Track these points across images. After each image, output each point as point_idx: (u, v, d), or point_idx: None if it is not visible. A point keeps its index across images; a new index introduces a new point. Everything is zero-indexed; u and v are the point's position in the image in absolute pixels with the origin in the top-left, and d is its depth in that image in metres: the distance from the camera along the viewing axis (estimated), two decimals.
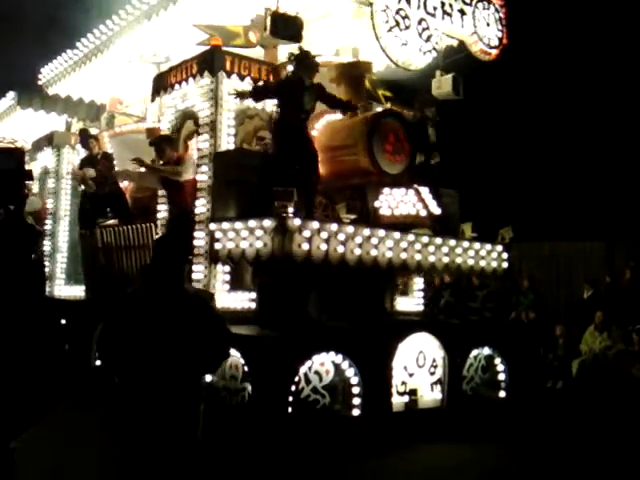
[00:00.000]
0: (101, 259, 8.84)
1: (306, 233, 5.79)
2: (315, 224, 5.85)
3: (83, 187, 9.39)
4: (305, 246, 5.79)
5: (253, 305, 6.84)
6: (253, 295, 6.85)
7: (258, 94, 6.57)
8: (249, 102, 7.02)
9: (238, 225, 6.10)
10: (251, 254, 6.00)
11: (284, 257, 5.74)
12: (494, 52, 8.14)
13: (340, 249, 6.05)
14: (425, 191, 6.80)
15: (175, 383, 3.37)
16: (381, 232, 6.38)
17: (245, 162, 6.43)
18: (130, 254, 8.22)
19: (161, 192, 7.51)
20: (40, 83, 11.62)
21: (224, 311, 6.64)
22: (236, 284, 6.84)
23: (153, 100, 7.68)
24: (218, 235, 6.38)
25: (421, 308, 8.56)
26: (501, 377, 7.40)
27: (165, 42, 8.57)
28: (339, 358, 5.94)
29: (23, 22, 16.93)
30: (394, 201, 6.64)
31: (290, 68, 6.63)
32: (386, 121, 6.69)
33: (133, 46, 8.95)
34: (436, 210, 6.82)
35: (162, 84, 7.47)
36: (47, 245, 10.55)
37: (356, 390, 6.01)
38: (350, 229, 6.14)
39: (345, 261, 6.15)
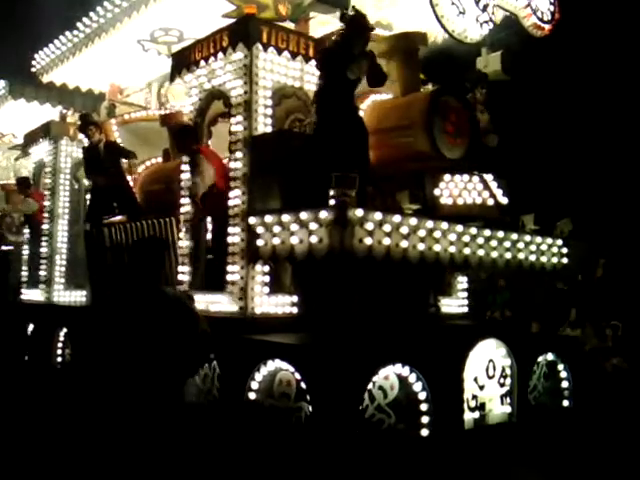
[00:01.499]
0: (109, 259, 7.94)
1: (368, 226, 4.97)
2: (378, 215, 5.03)
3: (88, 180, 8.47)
4: (368, 241, 4.96)
5: (294, 310, 6.03)
6: (294, 299, 6.04)
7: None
8: (288, 80, 6.19)
9: (286, 218, 5.25)
10: (302, 251, 5.16)
11: (344, 254, 4.90)
12: (547, 27, 7.36)
13: (403, 244, 5.24)
14: (490, 178, 6.00)
15: (151, 385, 3.44)
16: (444, 224, 5.58)
17: (287, 146, 5.59)
18: None
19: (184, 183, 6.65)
20: (34, 70, 10.64)
21: (263, 318, 5.83)
22: (275, 287, 6.00)
23: (172, 81, 6.81)
24: (260, 230, 5.52)
25: (465, 310, 7.78)
26: (564, 385, 6.66)
27: (180, 18, 7.70)
28: (406, 370, 5.13)
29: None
30: (456, 189, 5.83)
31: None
32: (446, 99, 5.89)
33: (144, 24, 8.06)
34: (503, 200, 6.03)
35: (184, 61, 6.60)
36: (44, 247, 9.62)
37: (425, 407, 5.20)
38: (413, 221, 5.32)
39: (407, 258, 5.33)
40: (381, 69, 5.57)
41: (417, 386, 5.18)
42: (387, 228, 5.10)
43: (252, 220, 5.62)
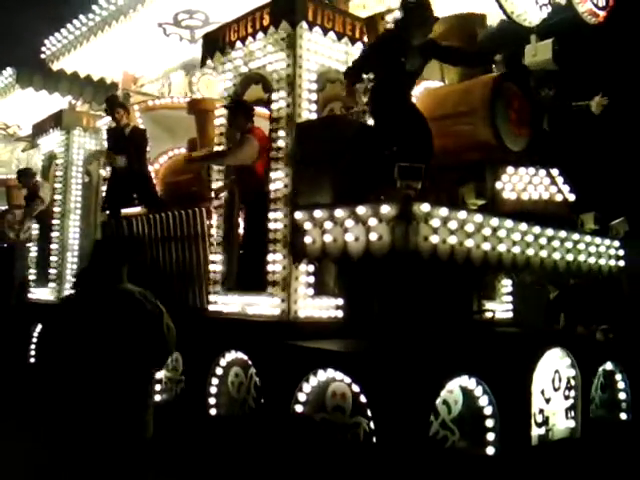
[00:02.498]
0: (132, 252, 7.39)
1: (434, 222, 4.47)
2: (444, 211, 4.54)
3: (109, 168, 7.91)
4: (434, 239, 4.47)
5: (339, 314, 5.53)
6: (339, 302, 5.54)
7: (357, 72, 5.21)
8: (332, 63, 5.69)
9: (339, 213, 4.75)
10: (357, 250, 4.65)
11: (407, 253, 4.41)
12: (602, 14, 6.91)
13: (469, 243, 4.74)
14: (556, 172, 5.51)
15: (111, 383, 3.33)
16: (508, 222, 5.09)
17: (340, 134, 5.08)
18: (169, 246, 6.83)
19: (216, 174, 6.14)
20: (43, 57, 10.11)
21: (308, 322, 5.33)
22: (319, 288, 5.50)
23: (203, 64, 6.29)
24: (307, 227, 5.01)
25: (510, 315, 7.28)
26: (622, 396, 6.20)
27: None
28: (472, 383, 4.64)
29: None
30: (521, 183, 5.34)
31: (390, 19, 5.30)
32: (509, 85, 5.39)
33: (167, 5, 7.55)
34: (570, 196, 5.54)
35: (217, 43, 6.09)
36: (55, 243, 9.08)
37: (490, 423, 4.71)
38: (478, 218, 4.83)
39: (470, 259, 4.84)
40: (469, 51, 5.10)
41: (483, 400, 4.69)
42: (453, 225, 4.61)
43: (298, 215, 5.11)
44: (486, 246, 4.90)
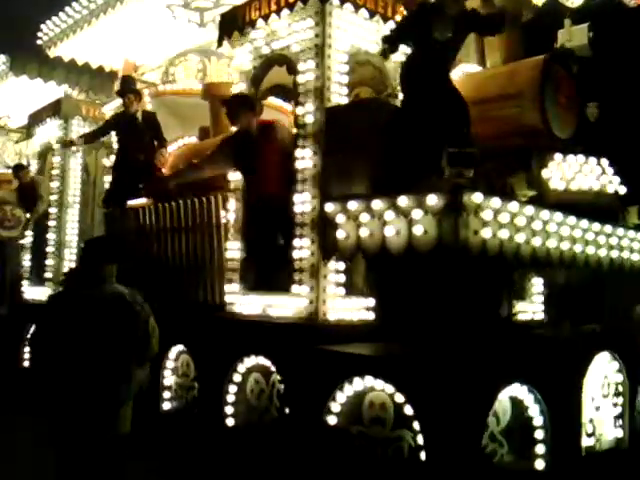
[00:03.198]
0: (136, 246, 6.94)
1: (486, 214, 4.05)
2: (496, 202, 4.12)
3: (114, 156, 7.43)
4: (486, 233, 4.05)
5: (370, 316, 5.09)
6: (369, 302, 5.10)
7: (394, 40, 4.81)
8: (363, 43, 5.26)
9: (378, 205, 4.31)
10: (398, 245, 4.23)
11: (457, 249, 3.98)
12: None
13: (519, 238, 4.33)
14: (606, 162, 5.11)
15: (91, 378, 3.44)
16: (558, 216, 4.69)
17: (373, 118, 4.64)
18: (179, 238, 6.40)
19: None
20: (40, 43, 9.60)
21: (338, 325, 4.89)
22: (347, 288, 5.06)
23: (220, 45, 5.82)
24: (340, 220, 4.58)
25: (542, 316, 6.87)
26: None
27: None
28: (523, 391, 4.23)
29: None
30: (569, 172, 4.93)
31: None
32: (558, 67, 4.98)
33: None
34: (621, 188, 5.14)
35: (236, 22, 5.62)
36: (52, 240, 8.58)
37: (540, 434, 4.31)
38: (529, 210, 4.42)
39: (519, 255, 4.43)
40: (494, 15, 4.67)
41: (533, 410, 4.30)
42: (504, 218, 4.19)
43: (329, 207, 4.67)
44: (537, 241, 4.49)
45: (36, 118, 9.29)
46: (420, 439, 3.84)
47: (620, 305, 7.02)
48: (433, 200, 4.01)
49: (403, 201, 4.17)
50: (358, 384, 4.23)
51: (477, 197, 3.98)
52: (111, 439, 3.55)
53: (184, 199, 6.18)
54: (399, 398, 3.98)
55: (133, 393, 3.73)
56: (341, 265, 4.92)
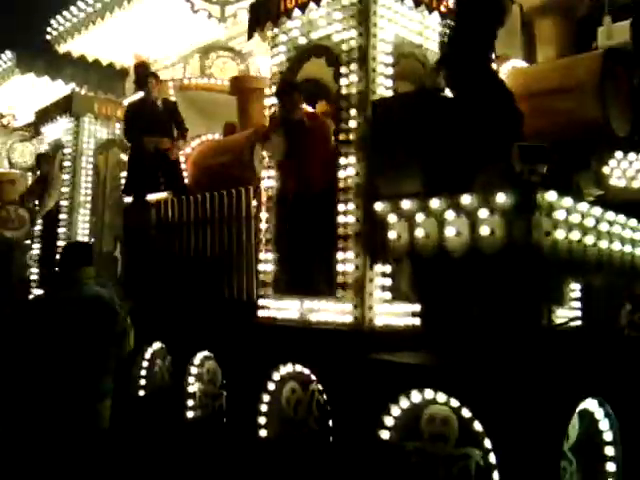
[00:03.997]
0: (157, 241, 6.64)
1: (559, 214, 3.77)
2: (567, 201, 3.83)
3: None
4: (559, 234, 3.76)
5: (416, 321, 4.79)
6: (415, 308, 4.80)
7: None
8: (407, 34, 4.97)
9: (436, 204, 4.02)
10: (459, 247, 3.93)
11: (527, 251, 3.69)
12: None
13: (589, 240, 4.04)
14: None
15: (73, 378, 3.61)
16: (621, 217, 4.41)
17: (427, 111, 4.34)
18: (204, 232, 6.18)
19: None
20: (49, 38, 9.26)
21: (385, 331, 4.58)
22: (394, 292, 4.76)
23: (250, 37, 5.52)
24: (392, 220, 4.28)
25: (579, 323, 6.59)
26: None
27: None
28: (593, 404, 3.94)
29: None
30: (631, 169, 4.66)
31: None
32: (616, 63, 4.71)
33: None
34: None
35: (268, 12, 5.32)
36: (62, 241, 8.24)
37: (611, 451, 4.02)
38: (597, 211, 4.14)
39: (585, 258, 4.14)
40: None
41: (603, 424, 4.01)
42: (575, 218, 3.91)
43: (379, 207, 4.37)
44: (604, 244, 4.20)
45: (45, 115, 8.93)
46: (492, 458, 3.53)
47: None
48: (502, 198, 3.71)
49: (467, 200, 3.88)
50: (416, 397, 3.93)
51: (551, 195, 3.69)
52: (91, 435, 3.72)
53: (211, 191, 5.88)
54: (466, 413, 3.68)
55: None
56: (387, 268, 4.62)
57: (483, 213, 3.80)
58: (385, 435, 4.07)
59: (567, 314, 6.35)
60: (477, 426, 3.61)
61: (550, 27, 5.10)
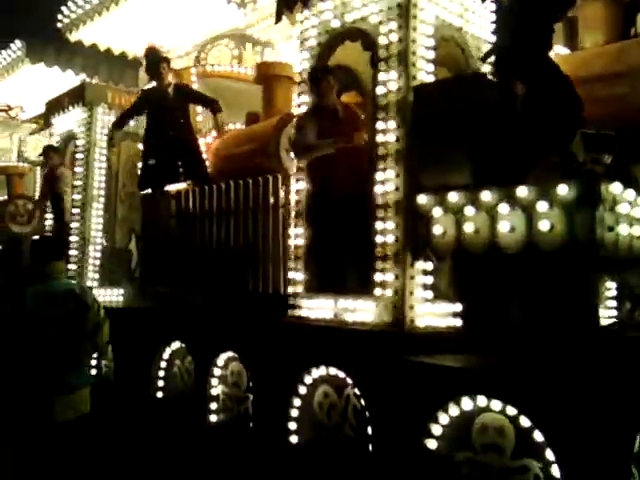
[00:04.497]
0: (176, 233, 6.39)
1: (622, 208, 3.48)
2: (631, 194, 3.54)
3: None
4: (623, 229, 3.47)
5: (457, 322, 4.51)
6: (456, 308, 4.52)
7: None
8: (447, 16, 4.68)
9: (488, 196, 3.73)
10: (514, 243, 3.65)
11: (589, 247, 3.40)
12: None
13: None
14: None
15: (48, 368, 3.78)
16: None
17: (475, 97, 4.04)
18: (227, 223, 5.94)
19: None
20: (60, 26, 8.97)
21: (426, 333, 4.30)
22: (435, 291, 4.48)
23: (278, 21, 5.22)
24: (437, 214, 3.99)
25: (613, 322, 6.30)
26: None
27: None
28: None
29: None
30: None
31: None
32: None
33: None
34: None
35: None
36: (75, 236, 7.97)
37: None
38: None
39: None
40: None
41: None
42: (637, 212, 3.62)
43: (422, 200, 4.09)
44: None
45: (56, 105, 8.64)
46: (554, 471, 3.25)
47: None
48: (564, 190, 3.43)
49: (523, 192, 3.59)
50: (467, 404, 3.65)
51: (616, 187, 3.41)
52: (75, 420, 3.87)
53: (235, 180, 5.62)
54: (524, 422, 3.40)
55: (110, 375, 4.43)
56: (429, 265, 4.33)
57: (542, 206, 3.51)
58: (432, 445, 3.79)
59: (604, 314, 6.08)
60: (537, 436, 3.33)
61: (597, 12, 4.81)
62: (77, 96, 8.10)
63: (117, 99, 8.11)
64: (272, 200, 5.43)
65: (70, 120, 8.36)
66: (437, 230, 3.98)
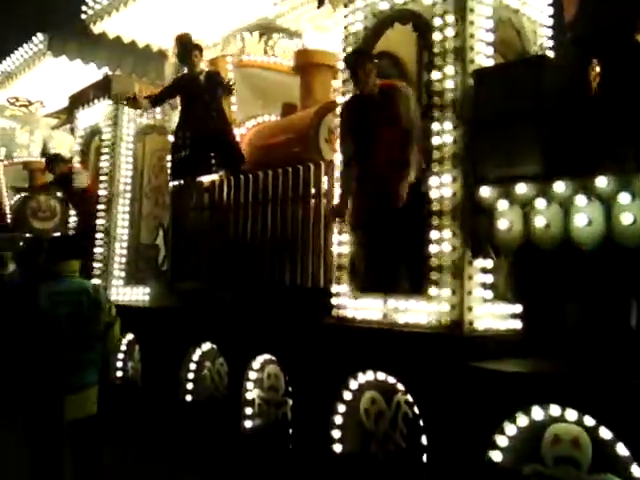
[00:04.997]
0: (209, 226, 6.14)
1: None
2: None
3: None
4: None
5: (517, 325, 4.20)
6: (516, 309, 4.21)
7: None
8: None
9: (561, 187, 3.43)
10: (592, 238, 3.34)
11: None
12: None
13: None
14: None
15: (61, 367, 3.77)
16: None
17: (544, 81, 3.73)
18: (262, 211, 5.69)
19: None
20: (84, 17, 8.72)
21: (487, 336, 3.99)
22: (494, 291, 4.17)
23: (321, 5, 4.94)
24: (502, 207, 3.69)
25: None
26: None
27: None
28: None
29: None
30: None
31: None
32: None
33: None
34: None
35: None
36: (100, 233, 7.73)
37: None
38: None
39: None
40: None
41: None
42: None
43: (485, 192, 3.79)
44: None
45: (80, 99, 8.42)
46: None
47: None
48: None
49: (602, 182, 3.28)
50: (538, 414, 3.34)
51: None
52: (85, 420, 3.84)
53: (273, 169, 5.37)
54: (605, 434, 3.09)
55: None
56: (488, 263, 4.03)
57: (624, 198, 3.20)
58: (497, 457, 3.50)
59: None
60: (621, 450, 3.02)
61: None
62: (103, 89, 7.86)
63: (144, 92, 7.85)
64: (314, 189, 5.14)
65: (95, 114, 8.13)
66: (502, 225, 3.68)
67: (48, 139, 11.86)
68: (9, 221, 10.97)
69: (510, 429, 3.45)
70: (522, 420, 3.40)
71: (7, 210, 11.22)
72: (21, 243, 10.01)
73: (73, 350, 3.81)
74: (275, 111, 6.45)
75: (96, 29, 8.76)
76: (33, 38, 9.57)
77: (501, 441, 3.48)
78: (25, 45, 10.04)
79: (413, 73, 5.13)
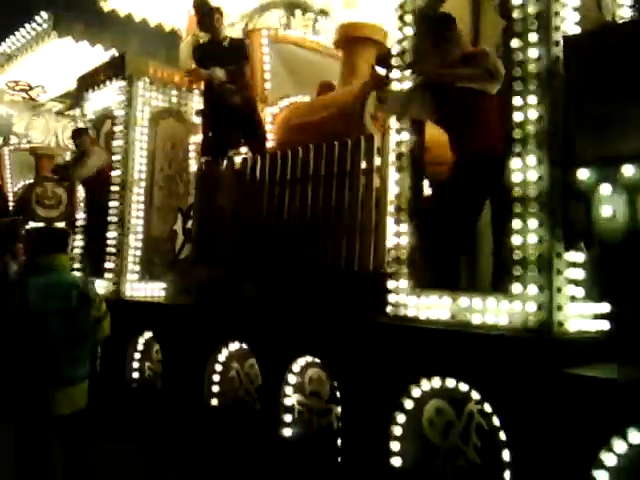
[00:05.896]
0: (239, 206, 5.67)
1: None
2: None
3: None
4: None
5: (605, 326, 3.74)
6: (604, 308, 3.75)
7: None
8: None
9: None
10: None
11: None
12: None
13: None
14: None
15: (52, 362, 3.72)
16: None
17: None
18: (302, 190, 5.23)
19: None
20: None
21: (579, 338, 3.53)
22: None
23: None
24: (604, 191, 3.22)
25: None
26: None
27: None
28: None
29: None
30: None
31: None
32: None
33: None
34: None
35: None
36: (113, 224, 7.21)
37: None
38: None
39: None
40: None
41: None
42: None
43: (584, 174, 3.31)
44: None
45: (89, 80, 7.86)
46: None
47: None
48: None
49: None
50: None
51: None
52: (75, 413, 3.82)
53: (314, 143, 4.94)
54: None
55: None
56: (579, 257, 3.56)
57: None
58: (603, 477, 3.04)
59: None
60: None
61: None
62: (116, 69, 7.31)
63: (159, 73, 7.35)
64: (364, 164, 4.66)
65: (106, 96, 7.59)
66: (605, 212, 3.21)
67: (63, 129, 11.32)
68: (10, 208, 10.47)
69: (619, 446, 2.99)
70: (635, 436, 2.95)
71: (10, 197, 10.72)
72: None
73: (63, 344, 3.77)
74: (308, 91, 5.96)
75: (106, 6, 8.27)
76: (36, 17, 9.02)
77: (609, 460, 3.02)
78: (27, 25, 9.48)
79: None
